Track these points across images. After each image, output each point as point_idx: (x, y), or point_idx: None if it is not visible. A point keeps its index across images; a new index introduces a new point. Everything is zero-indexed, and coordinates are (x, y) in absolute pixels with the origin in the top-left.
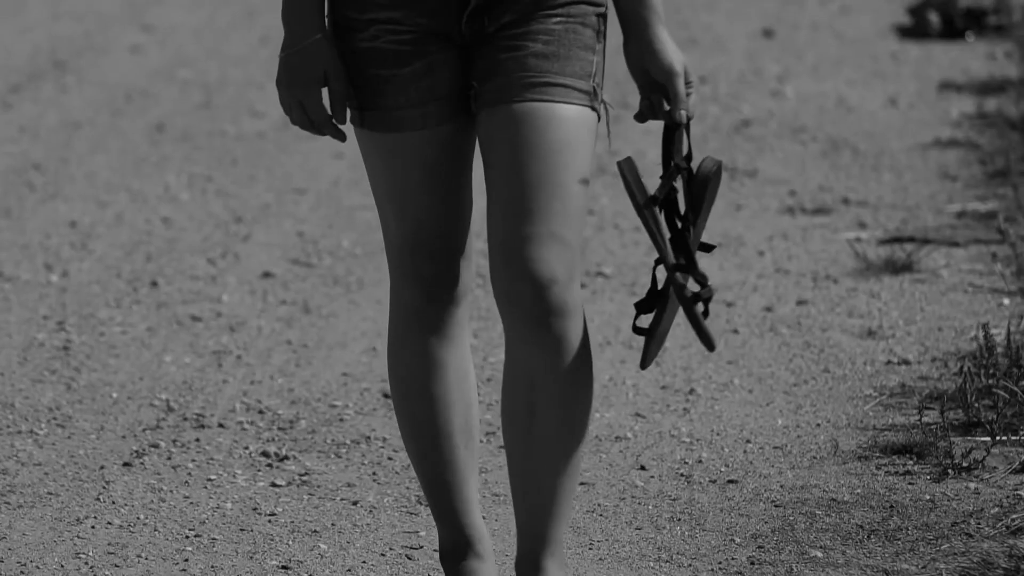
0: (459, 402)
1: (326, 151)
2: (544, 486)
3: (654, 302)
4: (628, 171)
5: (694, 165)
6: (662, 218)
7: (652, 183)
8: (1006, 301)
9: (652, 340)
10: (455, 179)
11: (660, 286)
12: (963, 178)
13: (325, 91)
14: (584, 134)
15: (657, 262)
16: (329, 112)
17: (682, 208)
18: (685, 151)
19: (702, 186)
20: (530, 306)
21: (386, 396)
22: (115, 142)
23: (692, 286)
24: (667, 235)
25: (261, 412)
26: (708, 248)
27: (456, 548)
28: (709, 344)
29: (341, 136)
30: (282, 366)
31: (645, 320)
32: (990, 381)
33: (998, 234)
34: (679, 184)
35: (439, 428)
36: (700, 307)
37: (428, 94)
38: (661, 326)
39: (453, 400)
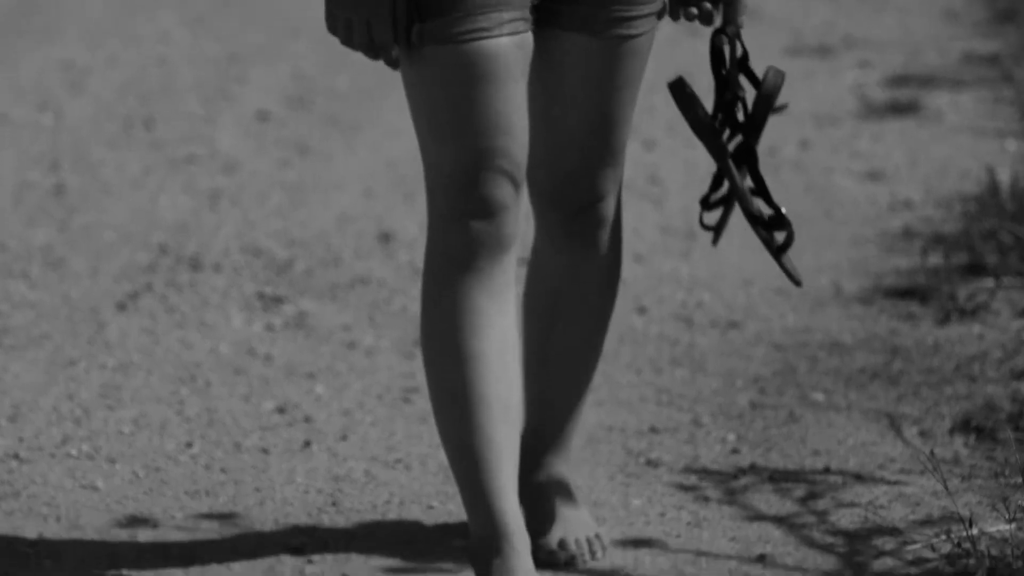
0: (500, 369)
1: None
2: (557, 393)
3: (719, 201)
4: (689, 92)
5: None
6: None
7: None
8: (1011, 143)
9: (722, 229)
10: (519, 91)
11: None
12: (968, 18)
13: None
14: (648, 57)
15: (718, 158)
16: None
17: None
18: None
19: (766, 103)
20: (572, 222)
21: (382, 239)
22: None
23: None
24: (735, 171)
25: (256, 254)
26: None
27: (488, 540)
28: (796, 282)
29: (397, 63)
30: (278, 207)
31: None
32: (995, 224)
33: (1004, 75)
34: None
35: (477, 393)
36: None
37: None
38: (727, 219)
39: (493, 364)
